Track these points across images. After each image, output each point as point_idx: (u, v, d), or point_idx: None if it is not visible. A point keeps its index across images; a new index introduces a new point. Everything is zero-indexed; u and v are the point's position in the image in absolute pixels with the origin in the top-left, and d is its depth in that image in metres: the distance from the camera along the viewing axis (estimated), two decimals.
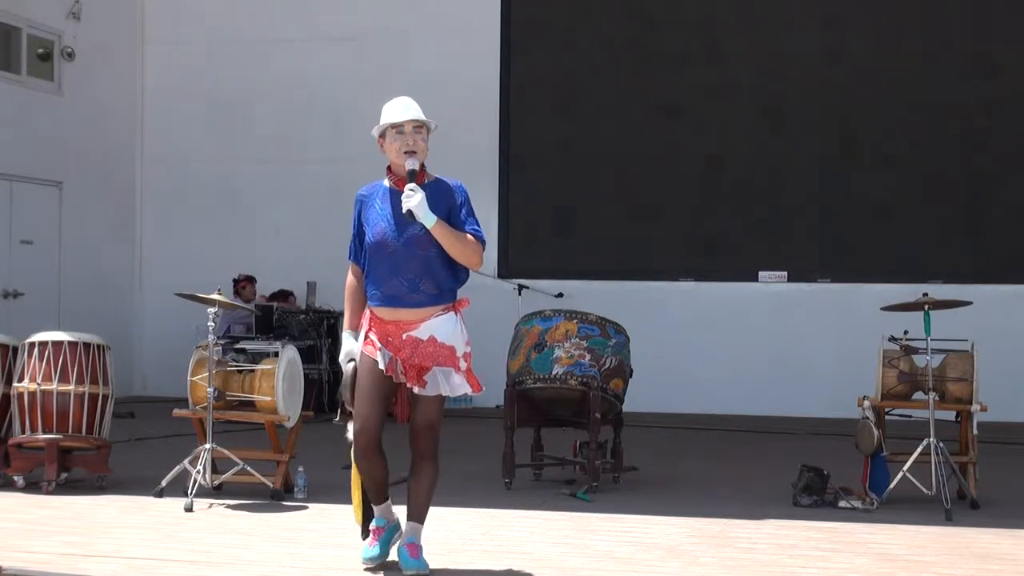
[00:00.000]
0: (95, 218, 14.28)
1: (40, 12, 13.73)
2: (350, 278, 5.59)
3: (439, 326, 5.37)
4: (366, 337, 5.42)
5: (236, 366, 8.07)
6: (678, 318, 13.89)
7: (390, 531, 5.66)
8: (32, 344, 7.97)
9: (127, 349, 14.17)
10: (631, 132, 14.24)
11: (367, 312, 5.46)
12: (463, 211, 5.45)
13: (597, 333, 8.16)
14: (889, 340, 7.86)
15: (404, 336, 5.35)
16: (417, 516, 5.51)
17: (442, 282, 5.38)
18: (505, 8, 14.55)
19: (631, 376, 8.39)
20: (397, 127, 5.42)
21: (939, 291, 8.75)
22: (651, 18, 14.38)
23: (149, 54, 15.26)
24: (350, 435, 5.46)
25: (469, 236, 5.40)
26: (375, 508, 5.66)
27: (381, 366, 5.34)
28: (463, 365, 5.43)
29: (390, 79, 14.37)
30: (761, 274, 13.93)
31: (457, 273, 5.44)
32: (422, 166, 5.45)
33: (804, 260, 13.86)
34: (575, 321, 8.22)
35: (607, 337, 8.18)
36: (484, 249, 5.46)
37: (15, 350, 8.10)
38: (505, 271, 14.33)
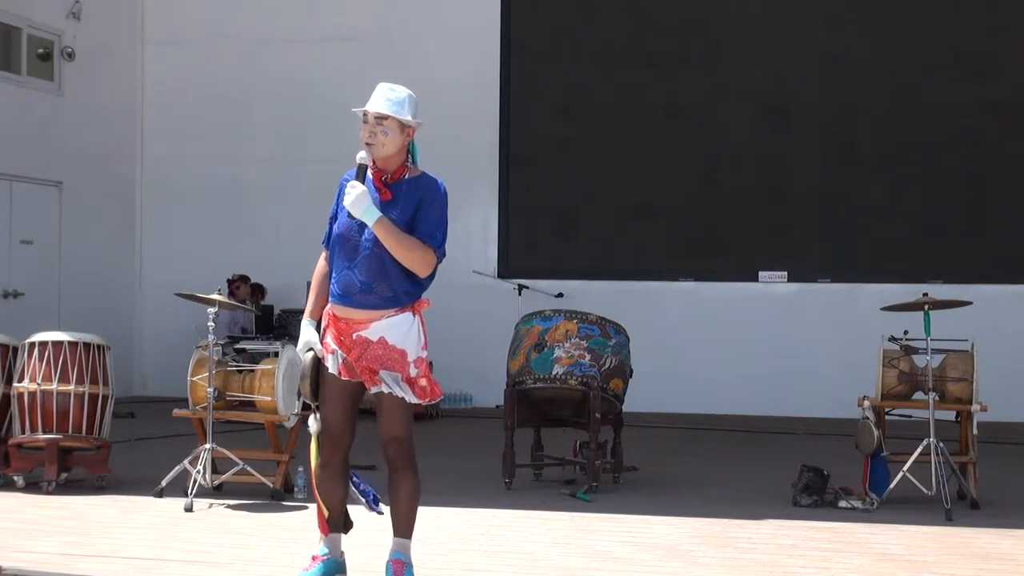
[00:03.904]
0: (95, 218, 14.27)
1: (40, 12, 13.74)
2: (321, 263, 5.24)
3: (392, 327, 5.03)
4: (323, 339, 5.14)
5: (236, 366, 8.07)
6: (678, 318, 13.90)
7: (331, 566, 5.21)
8: (32, 344, 7.97)
9: (127, 349, 14.16)
10: (631, 132, 14.24)
11: (327, 308, 5.16)
12: (430, 211, 5.06)
13: (597, 333, 8.16)
14: (889, 340, 7.86)
15: (354, 336, 5.03)
16: (403, 531, 5.15)
17: (397, 284, 5.03)
18: (505, 8, 14.55)
19: (631, 376, 8.39)
20: (363, 115, 5.09)
21: (939, 291, 8.75)
22: (651, 18, 14.38)
23: (149, 54, 15.26)
24: (311, 427, 5.21)
25: (418, 240, 5.01)
26: (321, 537, 5.28)
27: (332, 370, 5.06)
28: (414, 371, 5.06)
29: (390, 79, 14.28)
30: (761, 274, 13.93)
31: (416, 276, 5.07)
32: (408, 161, 5.15)
33: (804, 260, 13.86)
34: (575, 321, 8.21)
35: (607, 337, 8.18)
36: (438, 260, 5.06)
37: (15, 350, 8.10)
38: (505, 271, 14.32)
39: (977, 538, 6.68)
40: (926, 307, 7.57)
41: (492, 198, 14.45)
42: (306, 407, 5.30)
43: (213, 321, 7.60)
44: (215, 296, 7.81)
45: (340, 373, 5.08)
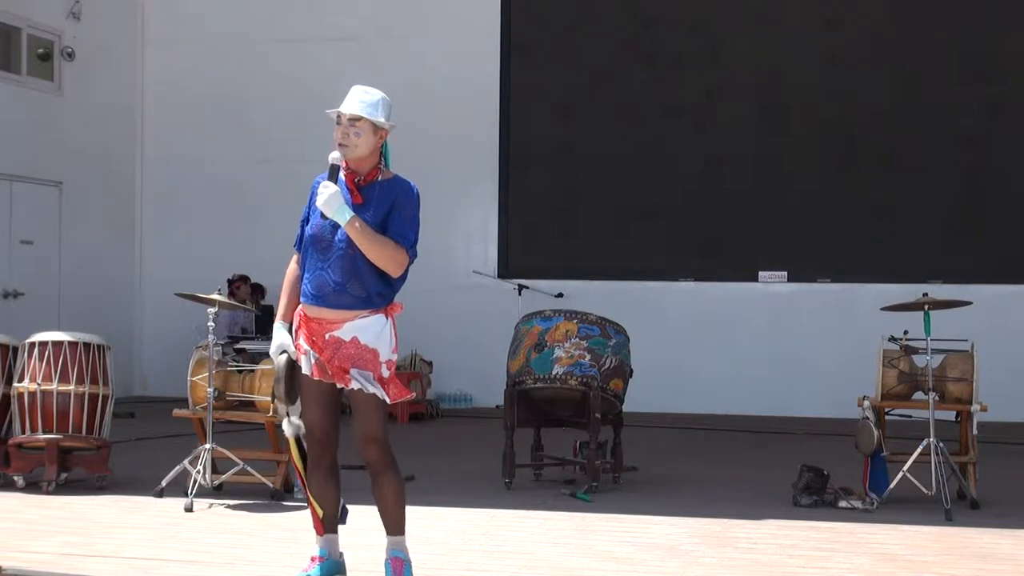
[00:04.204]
0: (95, 218, 14.28)
1: (40, 12, 13.74)
2: (292, 266, 5.29)
3: (364, 327, 5.04)
4: (296, 341, 5.15)
5: (236, 366, 8.07)
6: (678, 318, 13.90)
7: (330, 566, 5.25)
8: (32, 344, 7.97)
9: (127, 349, 14.17)
10: (631, 132, 14.24)
11: (299, 309, 5.18)
12: (402, 213, 5.08)
13: (597, 333, 8.16)
14: (889, 340, 7.86)
15: (327, 336, 5.04)
16: (394, 530, 5.17)
17: (370, 285, 5.04)
18: (505, 8, 14.55)
19: (631, 376, 8.39)
20: (337, 117, 5.13)
21: (939, 291, 8.75)
22: (651, 18, 14.38)
23: (149, 54, 15.26)
24: (287, 431, 5.28)
25: (390, 240, 5.03)
26: (318, 538, 5.29)
27: (305, 371, 5.08)
28: (385, 372, 5.07)
29: (390, 79, 14.29)
30: (761, 274, 13.94)
31: (388, 278, 5.08)
32: (380, 164, 5.16)
33: (804, 260, 13.86)
34: (575, 321, 8.21)
35: (607, 337, 8.17)
36: (410, 260, 5.08)
37: (15, 350, 8.10)
38: (505, 271, 14.32)
39: (977, 538, 6.68)
40: (926, 307, 7.57)
41: (492, 198, 14.45)
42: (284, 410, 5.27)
43: (213, 321, 7.60)
44: (215, 296, 7.81)
45: (312, 373, 5.09)
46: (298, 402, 5.27)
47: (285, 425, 5.32)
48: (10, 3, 13.32)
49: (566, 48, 14.51)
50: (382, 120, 5.12)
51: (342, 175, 5.16)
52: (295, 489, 7.69)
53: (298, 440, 5.31)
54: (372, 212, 5.07)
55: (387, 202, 5.10)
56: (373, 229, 5.03)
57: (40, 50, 13.95)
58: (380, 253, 5.01)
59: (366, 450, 5.09)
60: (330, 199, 5.02)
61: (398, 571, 5.12)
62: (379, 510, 5.19)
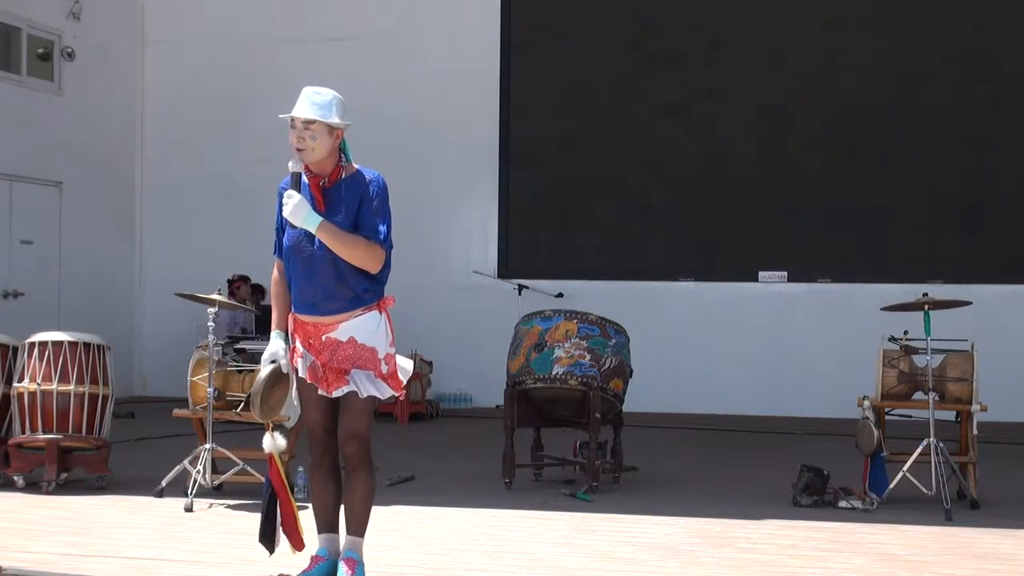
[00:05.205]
0: (95, 218, 14.28)
1: (40, 12, 13.74)
2: (276, 275, 5.27)
3: (359, 326, 5.03)
4: (292, 344, 5.16)
5: (236, 366, 8.07)
6: (678, 318, 13.90)
7: (331, 566, 5.19)
8: (32, 344, 7.97)
9: (127, 349, 14.16)
10: (631, 132, 14.24)
11: (291, 315, 5.18)
12: (371, 206, 5.05)
13: (597, 333, 8.15)
14: (889, 340, 7.86)
15: (324, 338, 5.04)
16: (355, 530, 5.13)
17: (357, 285, 5.03)
18: (505, 8, 14.55)
19: (631, 376, 8.39)
20: (291, 121, 5.11)
21: (939, 291, 8.75)
22: (651, 18, 14.38)
23: (149, 54, 15.26)
24: (267, 446, 5.29)
25: (360, 239, 5.00)
26: (319, 536, 5.28)
27: (301, 373, 5.09)
28: (384, 368, 5.08)
29: (390, 79, 14.39)
30: (761, 274, 13.94)
31: (372, 273, 5.07)
32: (341, 161, 5.14)
33: (804, 260, 13.86)
34: (575, 321, 8.21)
35: (607, 337, 8.17)
36: (387, 253, 5.07)
37: (15, 350, 8.10)
38: (505, 271, 14.32)
39: (977, 538, 6.68)
40: (926, 307, 7.57)
41: (492, 198, 14.45)
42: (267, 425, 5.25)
43: (213, 321, 7.60)
44: (215, 296, 7.82)
45: (307, 376, 5.10)
46: (289, 411, 5.26)
47: (266, 440, 5.32)
48: (10, 3, 13.32)
49: (566, 48, 14.51)
50: (336, 120, 5.11)
51: (306, 180, 5.15)
52: (295, 489, 7.69)
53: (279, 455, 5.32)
54: (344, 213, 5.06)
55: (356, 197, 5.09)
56: (346, 230, 5.02)
57: (40, 50, 13.95)
58: (353, 253, 5.00)
59: (348, 445, 5.08)
60: (295, 209, 5.02)
61: (349, 572, 5.07)
62: (345, 507, 5.17)
